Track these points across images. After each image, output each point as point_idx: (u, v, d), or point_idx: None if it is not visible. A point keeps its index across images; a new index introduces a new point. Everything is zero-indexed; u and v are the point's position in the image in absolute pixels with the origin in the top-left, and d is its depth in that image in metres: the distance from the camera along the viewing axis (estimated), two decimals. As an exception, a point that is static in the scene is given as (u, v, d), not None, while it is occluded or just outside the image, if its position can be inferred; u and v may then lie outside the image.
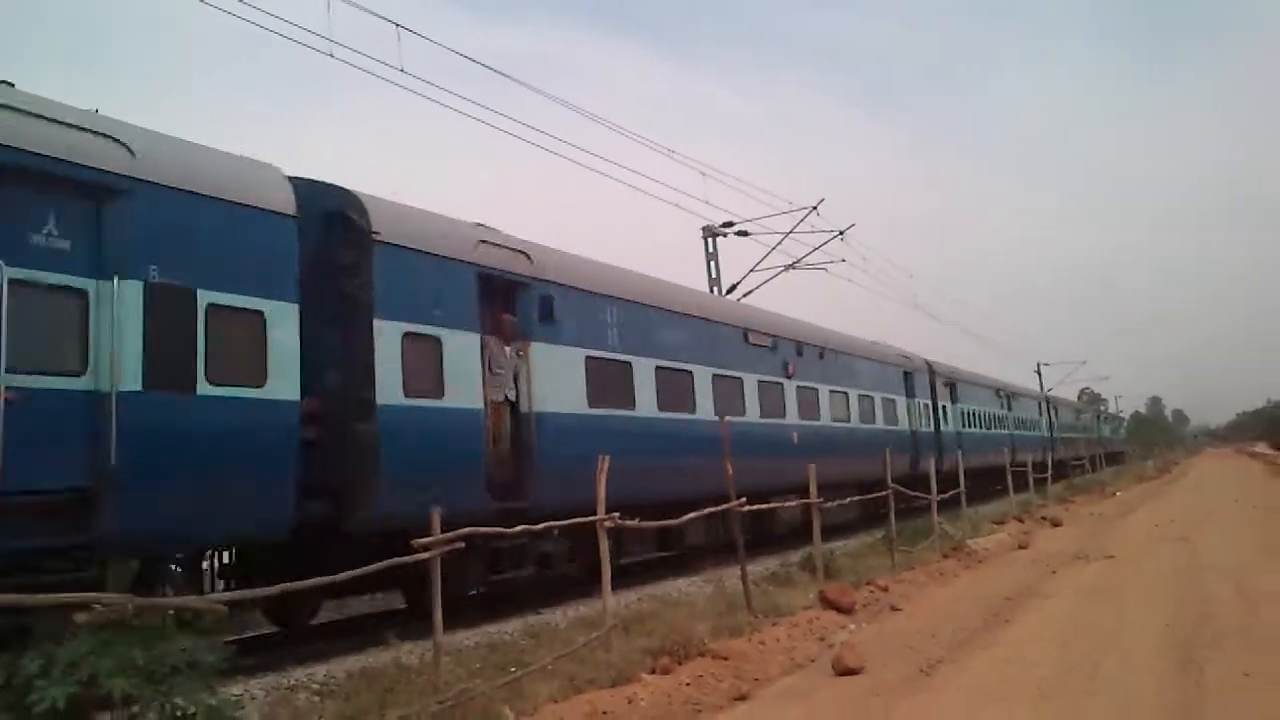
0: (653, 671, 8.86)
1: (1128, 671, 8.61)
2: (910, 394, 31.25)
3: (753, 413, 20.35)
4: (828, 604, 12.37)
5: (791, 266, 29.66)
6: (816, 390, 24.12)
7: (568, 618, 12.46)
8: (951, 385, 36.35)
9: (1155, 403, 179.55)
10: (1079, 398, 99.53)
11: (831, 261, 30.37)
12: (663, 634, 9.72)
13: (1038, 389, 64.95)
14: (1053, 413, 59.60)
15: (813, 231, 29.22)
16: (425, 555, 7.89)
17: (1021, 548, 20.09)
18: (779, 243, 28.54)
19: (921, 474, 22.01)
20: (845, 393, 25.91)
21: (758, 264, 28.87)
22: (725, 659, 9.38)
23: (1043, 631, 10.81)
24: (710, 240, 29.47)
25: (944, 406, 34.73)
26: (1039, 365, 75.82)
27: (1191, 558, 16.59)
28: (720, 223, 29.22)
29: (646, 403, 16.62)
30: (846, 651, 9.29)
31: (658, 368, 17.02)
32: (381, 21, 15.21)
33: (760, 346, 21.24)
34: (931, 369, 34.01)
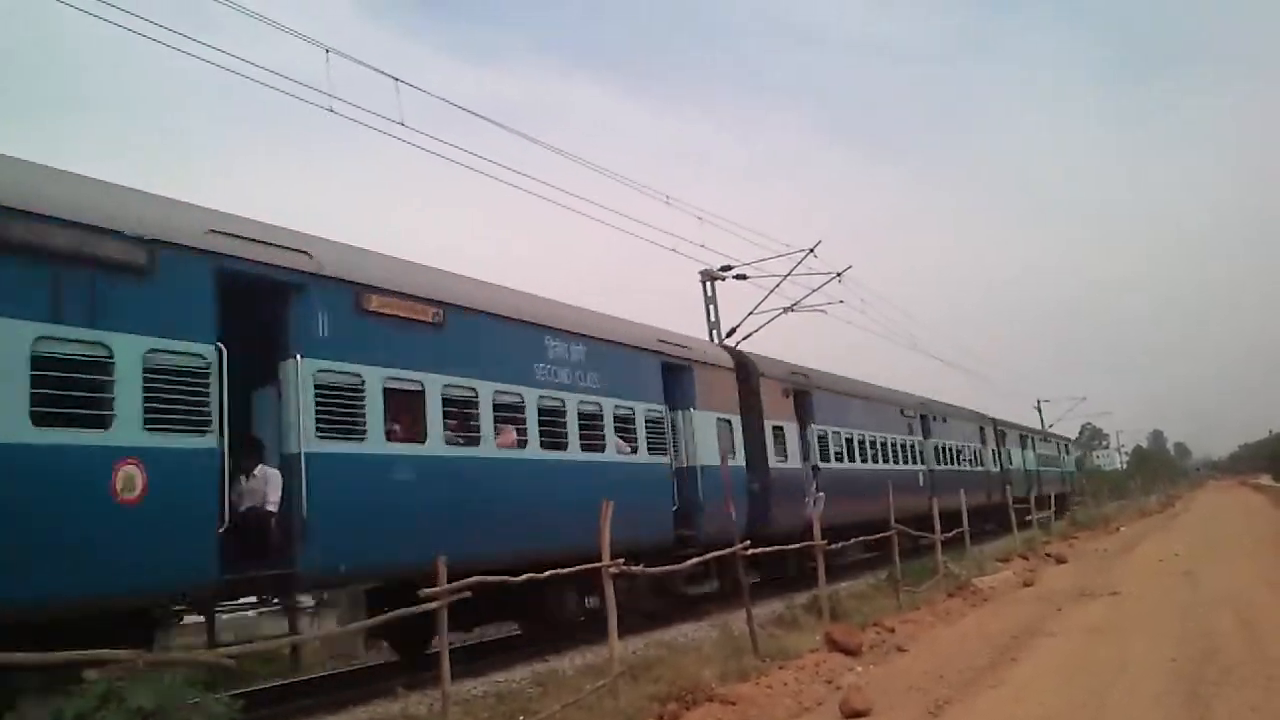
0: (660, 718, 8.87)
1: (1134, 708, 8.63)
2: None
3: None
4: (834, 646, 12.37)
5: (790, 309, 29.78)
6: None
7: (575, 665, 12.46)
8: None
9: (1157, 436, 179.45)
10: (1080, 434, 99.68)
11: (830, 303, 30.49)
12: (670, 680, 9.73)
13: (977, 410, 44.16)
14: (998, 440, 44.56)
15: (811, 274, 29.39)
16: (432, 605, 7.94)
17: (1027, 585, 20.08)
18: (777, 285, 28.69)
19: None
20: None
21: (756, 307, 28.98)
22: (733, 704, 9.38)
23: (1049, 669, 10.82)
24: (709, 284, 29.61)
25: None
26: (1039, 402, 75.77)
27: (1196, 592, 16.59)
28: (719, 267, 29.38)
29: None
30: (854, 694, 9.31)
31: None
32: (380, 75, 15.46)
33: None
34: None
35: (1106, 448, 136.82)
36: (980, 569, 21.84)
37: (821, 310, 30.44)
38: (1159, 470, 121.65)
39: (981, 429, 41.24)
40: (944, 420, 35.83)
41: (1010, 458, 44.99)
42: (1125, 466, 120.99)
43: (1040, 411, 74.65)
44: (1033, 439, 52.88)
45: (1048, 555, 26.52)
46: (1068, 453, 65.57)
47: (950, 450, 35.76)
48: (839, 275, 29.64)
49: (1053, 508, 41.32)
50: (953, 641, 13.51)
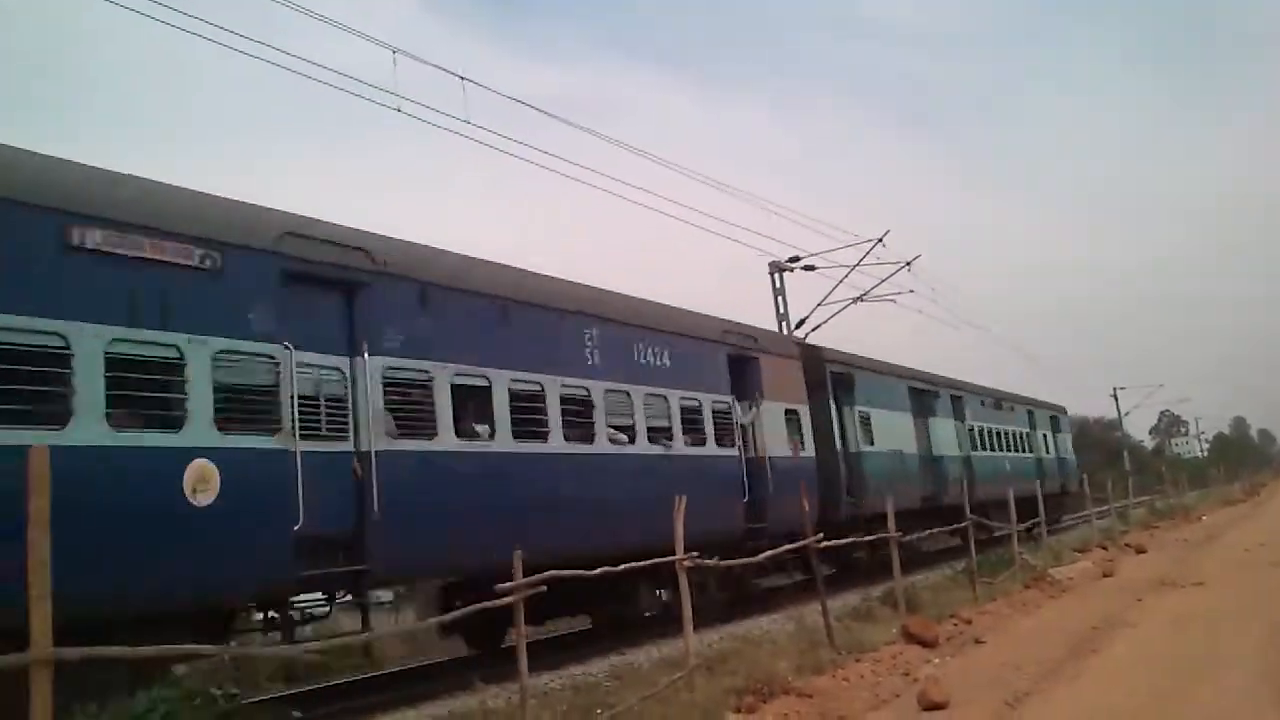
0: (738, 711, 8.87)
1: (1222, 701, 8.44)
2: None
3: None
4: (910, 638, 12.29)
5: (860, 299, 29.61)
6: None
7: (651, 658, 12.50)
8: None
9: (1239, 423, 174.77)
10: (1158, 422, 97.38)
11: (899, 293, 30.25)
12: (746, 673, 9.74)
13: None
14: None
15: (879, 264, 29.19)
16: (509, 600, 8.01)
17: (1106, 576, 19.73)
18: (845, 275, 28.56)
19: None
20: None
21: (825, 298, 28.86)
22: (809, 697, 9.37)
23: (1132, 661, 10.64)
24: (777, 276, 29.52)
25: None
26: (1115, 390, 74.41)
27: (1285, 582, 16.19)
28: (786, 258, 29.29)
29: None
30: (931, 686, 9.23)
31: None
32: (446, 74, 15.67)
33: None
34: None
35: (1186, 435, 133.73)
36: (1057, 559, 21.53)
37: (891, 300, 30.22)
38: (1242, 458, 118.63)
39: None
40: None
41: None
42: (1206, 454, 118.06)
43: (1117, 400, 73.43)
44: (970, 403, 31.56)
45: (1127, 545, 26.05)
46: (1055, 429, 41.32)
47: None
48: (908, 264, 29.46)
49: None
50: (1031, 633, 13.34)
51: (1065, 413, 44.15)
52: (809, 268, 29.33)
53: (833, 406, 22.16)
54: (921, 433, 27.00)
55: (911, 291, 30.66)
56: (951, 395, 30.15)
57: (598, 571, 9.44)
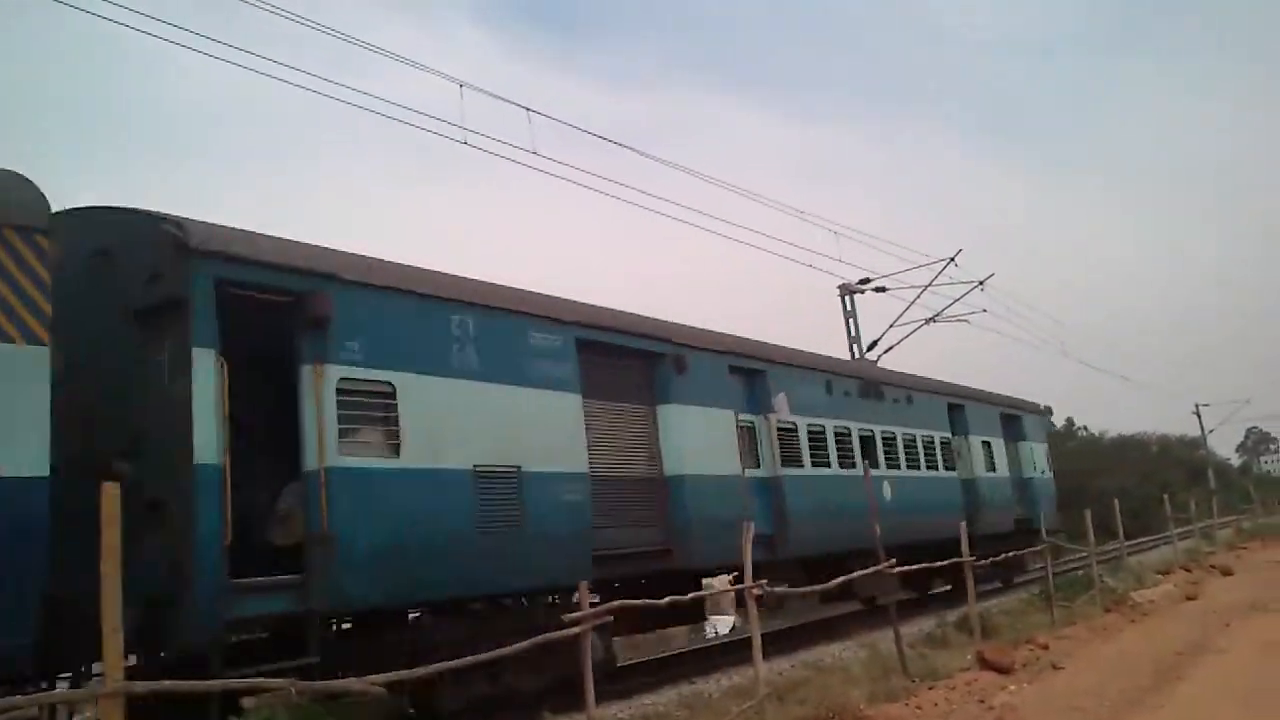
0: (809, 740, 8.79)
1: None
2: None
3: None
4: (986, 665, 12.04)
5: (932, 320, 29.28)
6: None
7: (720, 686, 12.41)
8: None
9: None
10: (1245, 439, 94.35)
11: (973, 312, 29.86)
12: (817, 701, 9.64)
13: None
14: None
15: (952, 283, 28.86)
16: (575, 630, 8.00)
17: (1190, 599, 19.21)
18: (917, 296, 28.28)
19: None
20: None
21: (897, 319, 28.57)
22: (883, 725, 9.24)
23: (1220, 688, 10.34)
24: (847, 298, 29.35)
25: None
26: (1197, 406, 72.54)
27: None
28: (856, 280, 29.10)
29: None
30: (1008, 714, 9.06)
31: None
32: (512, 105, 15.86)
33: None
34: None
35: (1276, 452, 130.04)
36: (1139, 582, 20.99)
37: (965, 320, 29.81)
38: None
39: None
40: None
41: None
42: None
43: (1200, 417, 71.59)
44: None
45: (1212, 567, 25.34)
46: (1015, 437, 27.44)
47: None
48: (981, 284, 29.06)
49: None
50: (1112, 659, 13.01)
51: (1045, 413, 37.57)
52: (880, 289, 29.09)
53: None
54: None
55: (984, 311, 30.26)
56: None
57: (665, 601, 9.38)
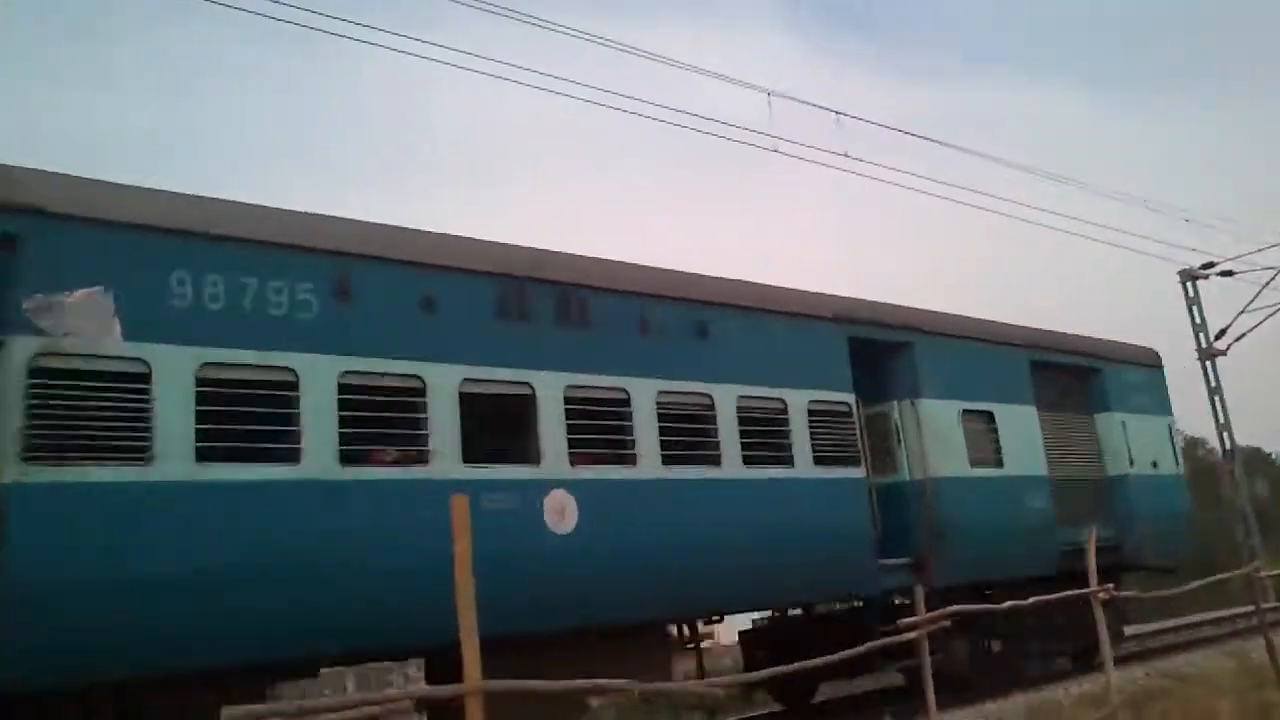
0: (1170, 751, 8.43)
1: None
2: None
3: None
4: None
5: (1289, 304, 26.76)
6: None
7: (1070, 695, 12.03)
8: None
9: None
10: None
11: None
12: (1178, 714, 9.22)
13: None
14: None
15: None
16: (912, 635, 8.08)
17: None
18: (1272, 278, 25.97)
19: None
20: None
21: (1248, 305, 26.35)
22: (1253, 740, 8.71)
23: None
24: (1189, 285, 27.42)
25: None
26: None
27: None
28: (1199, 265, 27.14)
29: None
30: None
31: None
32: (821, 110, 16.16)
33: None
34: None
35: None
36: None
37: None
38: None
39: None
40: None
41: None
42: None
43: None
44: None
45: None
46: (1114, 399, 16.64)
47: None
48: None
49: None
50: None
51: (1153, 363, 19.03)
52: (1227, 273, 26.95)
53: None
54: None
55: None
56: None
57: (1006, 606, 9.27)
